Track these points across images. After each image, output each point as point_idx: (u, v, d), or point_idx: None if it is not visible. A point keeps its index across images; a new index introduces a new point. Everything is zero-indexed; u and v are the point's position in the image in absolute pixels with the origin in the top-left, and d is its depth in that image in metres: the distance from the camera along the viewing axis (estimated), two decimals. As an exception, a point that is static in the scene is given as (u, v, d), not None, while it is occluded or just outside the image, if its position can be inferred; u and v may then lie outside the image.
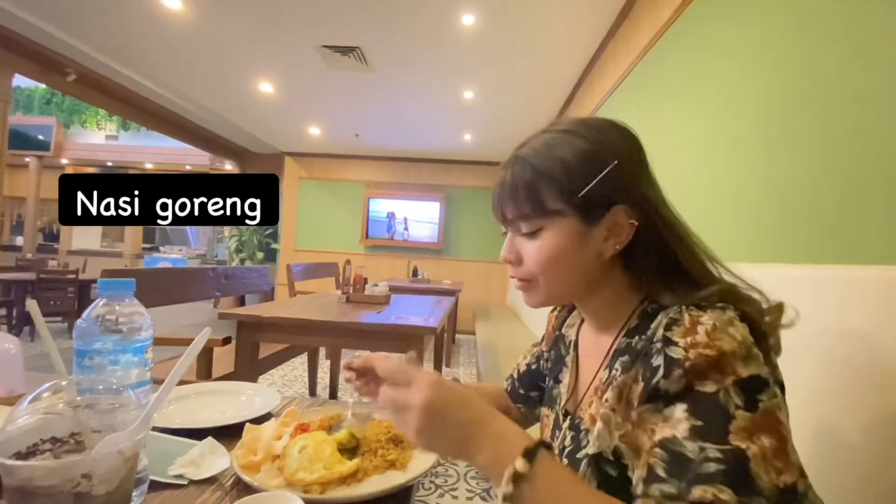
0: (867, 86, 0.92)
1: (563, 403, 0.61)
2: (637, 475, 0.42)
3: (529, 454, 0.39)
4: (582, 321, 0.64)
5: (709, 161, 1.55)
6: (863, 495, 0.54)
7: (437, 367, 3.15)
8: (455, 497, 1.87)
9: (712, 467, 0.36)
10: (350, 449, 0.61)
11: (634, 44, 2.28)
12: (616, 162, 0.49)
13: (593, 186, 0.49)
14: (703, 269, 0.50)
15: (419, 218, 6.00)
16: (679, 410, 0.40)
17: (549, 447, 0.41)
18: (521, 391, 0.76)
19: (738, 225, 1.34)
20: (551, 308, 0.73)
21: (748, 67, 1.37)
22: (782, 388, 0.42)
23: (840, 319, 0.62)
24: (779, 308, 0.47)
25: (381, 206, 6.05)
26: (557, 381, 0.65)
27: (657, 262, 0.50)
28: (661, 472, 0.39)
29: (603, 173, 0.49)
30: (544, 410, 0.67)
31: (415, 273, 4.77)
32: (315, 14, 2.68)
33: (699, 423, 0.38)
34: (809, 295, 0.66)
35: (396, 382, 0.44)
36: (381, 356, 0.73)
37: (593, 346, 0.58)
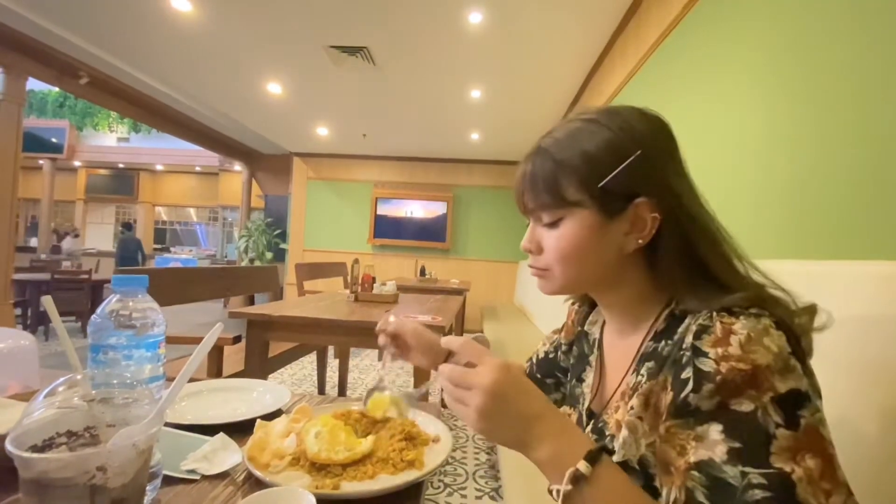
0: (890, 78, 0.90)
1: (586, 404, 0.59)
2: (671, 496, 0.40)
3: (592, 457, 0.39)
4: (606, 319, 0.62)
5: (722, 156, 1.53)
6: (874, 492, 0.52)
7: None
8: (464, 496, 1.86)
9: (758, 494, 0.34)
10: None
11: (644, 39, 2.26)
12: (639, 152, 0.47)
13: (614, 177, 0.47)
14: (730, 269, 0.47)
15: (427, 217, 6.01)
16: (714, 431, 0.38)
17: (609, 452, 0.42)
18: (538, 376, 0.77)
19: (757, 220, 1.32)
20: (570, 301, 0.72)
21: (761, 61, 1.35)
22: (820, 395, 0.39)
23: (862, 314, 0.60)
24: (811, 310, 0.45)
25: (388, 206, 6.07)
26: (580, 381, 0.63)
27: (680, 260, 0.47)
28: (701, 499, 0.37)
29: (623, 165, 0.46)
30: (566, 409, 0.65)
31: (422, 272, 4.77)
32: (322, 14, 2.69)
33: (738, 444, 0.36)
34: (832, 291, 0.65)
35: (463, 359, 0.44)
36: (409, 322, 0.75)
37: (619, 346, 0.57)
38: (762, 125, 1.32)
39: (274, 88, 3.92)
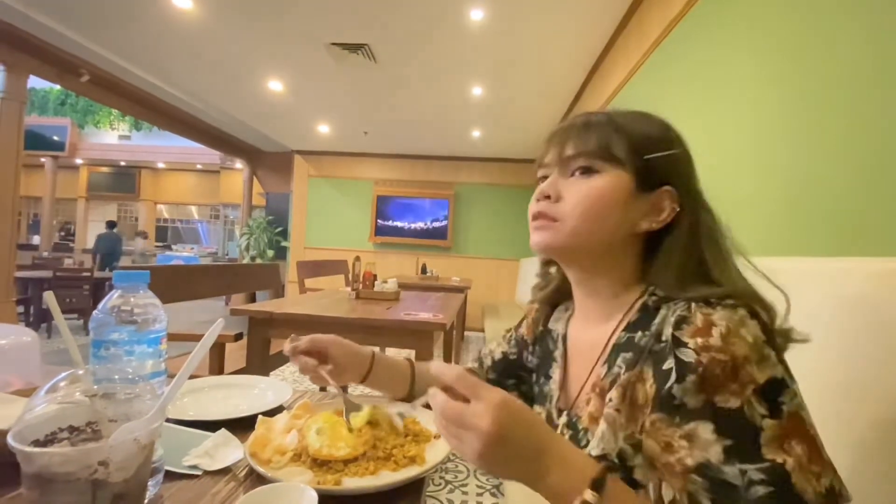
0: (888, 78, 0.89)
1: (554, 401, 0.60)
2: (666, 497, 0.41)
3: (597, 484, 0.39)
4: (570, 315, 0.63)
5: (724, 153, 1.53)
6: (869, 491, 0.52)
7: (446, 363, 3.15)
8: (465, 493, 1.87)
9: (760, 491, 0.36)
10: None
11: (646, 36, 2.25)
12: (681, 150, 0.52)
13: (658, 158, 0.50)
14: (725, 276, 0.47)
15: (428, 215, 6.02)
16: (706, 431, 0.38)
17: (613, 470, 0.41)
18: (492, 377, 0.75)
19: (756, 218, 1.31)
20: (531, 302, 0.71)
21: (764, 59, 1.34)
22: (793, 379, 0.41)
23: (861, 311, 0.60)
24: (785, 333, 0.45)
25: (389, 204, 6.07)
26: (548, 378, 0.63)
27: (682, 256, 0.48)
28: (706, 502, 0.38)
29: (671, 151, 0.51)
30: (536, 408, 0.65)
31: (424, 270, 4.77)
32: (323, 12, 2.69)
33: (730, 442, 0.38)
34: (832, 287, 0.65)
35: (458, 393, 0.41)
36: (328, 337, 0.69)
37: (586, 339, 0.57)
38: (763, 122, 1.31)
39: (275, 86, 3.91)
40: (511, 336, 0.76)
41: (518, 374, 0.73)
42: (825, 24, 1.08)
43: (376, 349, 0.76)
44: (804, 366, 0.62)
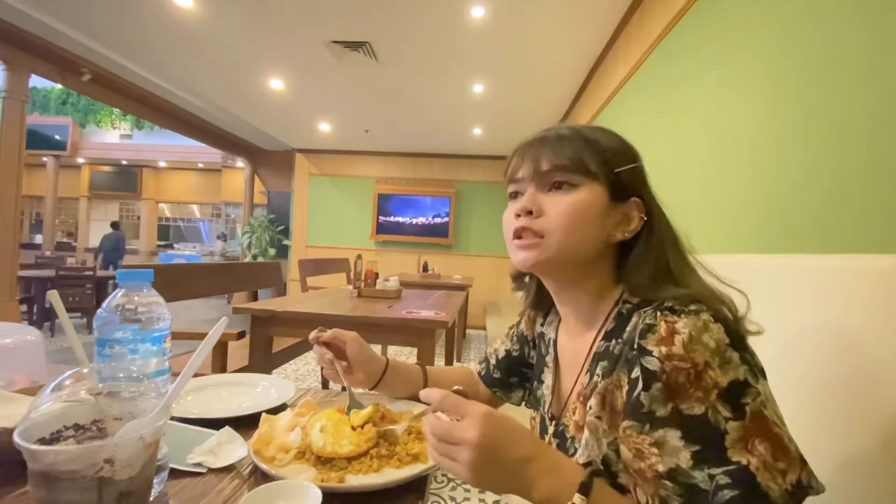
0: (886, 77, 0.89)
1: (546, 407, 0.61)
2: (641, 501, 0.42)
3: (585, 488, 0.41)
4: (560, 321, 0.64)
5: (723, 152, 1.52)
6: (864, 491, 0.52)
7: (448, 361, 3.15)
8: (467, 490, 1.87)
9: (727, 495, 0.37)
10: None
11: (647, 33, 2.24)
12: (641, 162, 0.54)
13: (626, 170, 0.52)
14: (688, 277, 0.50)
15: (429, 213, 6.01)
16: (674, 438, 0.39)
17: (600, 475, 0.43)
18: (497, 376, 0.76)
19: (757, 215, 1.31)
20: (526, 306, 0.72)
21: (763, 58, 1.34)
22: (763, 373, 0.41)
23: (845, 308, 0.60)
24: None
25: (391, 202, 6.07)
26: (541, 382, 0.64)
27: (652, 262, 0.50)
28: None
29: (636, 164, 0.53)
30: (531, 413, 0.67)
31: (425, 268, 4.77)
32: (324, 9, 2.68)
33: (697, 447, 0.38)
34: (816, 284, 0.65)
35: (445, 412, 0.44)
36: (351, 334, 0.72)
37: (572, 347, 0.58)
38: (763, 120, 1.31)
39: (276, 84, 3.91)
40: (513, 333, 0.76)
41: (521, 370, 0.74)
42: (825, 23, 1.08)
43: (391, 358, 0.78)
44: (801, 364, 0.62)
